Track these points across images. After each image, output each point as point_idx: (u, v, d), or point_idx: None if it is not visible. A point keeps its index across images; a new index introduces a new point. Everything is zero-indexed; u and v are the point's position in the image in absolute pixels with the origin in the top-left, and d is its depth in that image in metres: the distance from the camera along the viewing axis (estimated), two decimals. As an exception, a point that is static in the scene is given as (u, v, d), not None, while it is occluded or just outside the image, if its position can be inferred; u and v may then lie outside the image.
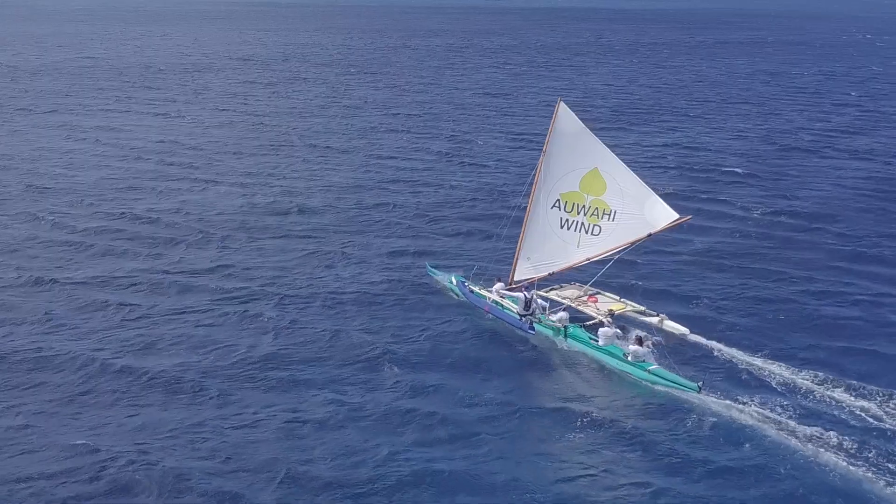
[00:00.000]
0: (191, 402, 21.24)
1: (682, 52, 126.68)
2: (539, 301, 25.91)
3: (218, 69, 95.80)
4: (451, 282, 29.17)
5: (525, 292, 25.89)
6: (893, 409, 20.82)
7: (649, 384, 22.23)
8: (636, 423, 20.46)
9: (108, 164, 47.66)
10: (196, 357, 23.76)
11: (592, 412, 20.95)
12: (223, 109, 67.74)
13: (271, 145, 54.08)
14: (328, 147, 53.77)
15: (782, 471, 18.30)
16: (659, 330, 25.14)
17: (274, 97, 75.52)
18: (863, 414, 20.57)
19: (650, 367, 22.51)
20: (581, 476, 18.46)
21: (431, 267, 30.70)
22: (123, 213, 37.87)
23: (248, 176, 45.46)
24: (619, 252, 26.37)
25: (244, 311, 26.93)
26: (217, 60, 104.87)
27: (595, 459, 19.03)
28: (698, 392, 21.28)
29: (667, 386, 21.89)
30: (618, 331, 24.17)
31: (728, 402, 20.92)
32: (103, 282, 29.42)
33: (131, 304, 27.33)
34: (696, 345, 24.46)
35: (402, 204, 40.31)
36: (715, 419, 20.31)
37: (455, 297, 28.32)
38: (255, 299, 27.95)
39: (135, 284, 29.20)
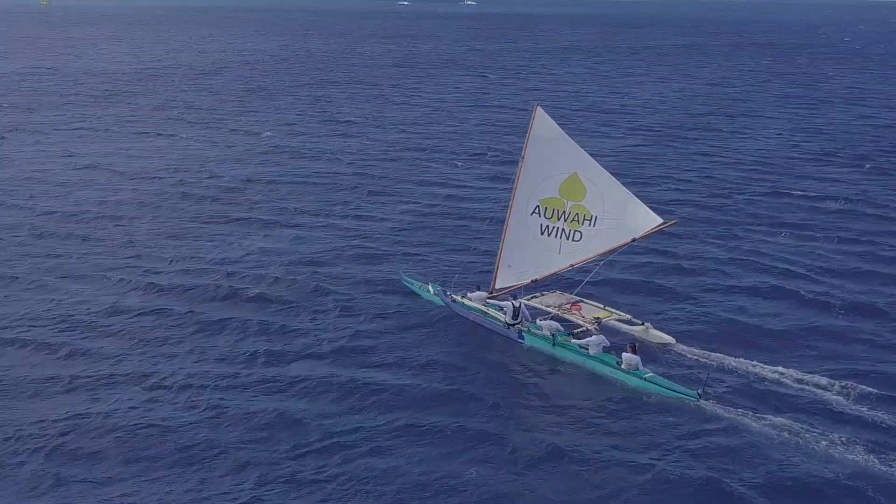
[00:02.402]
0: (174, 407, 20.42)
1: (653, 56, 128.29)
2: (525, 310, 25.66)
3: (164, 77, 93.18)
4: (430, 290, 28.73)
5: (513, 301, 25.61)
6: (885, 406, 21.17)
7: (646, 392, 22.13)
8: (634, 432, 20.31)
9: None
10: (176, 361, 23.25)
11: (588, 422, 20.79)
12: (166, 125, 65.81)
13: (241, 150, 52.92)
14: (297, 151, 52.84)
15: (785, 473, 18.37)
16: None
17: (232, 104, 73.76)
18: (858, 412, 20.88)
19: (646, 376, 22.45)
20: (575, 486, 18.20)
21: (407, 276, 30.20)
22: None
23: (216, 188, 44.24)
24: (602, 258, 26.27)
25: (209, 325, 26.18)
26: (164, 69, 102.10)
27: (591, 468, 18.78)
28: (698, 399, 21.29)
29: (664, 394, 21.84)
30: (605, 339, 24.04)
31: (727, 408, 20.97)
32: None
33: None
34: (682, 352, 24.47)
35: (375, 212, 39.67)
36: (715, 426, 20.30)
37: (434, 306, 27.85)
38: (225, 316, 27.07)
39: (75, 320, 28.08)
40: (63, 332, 25.61)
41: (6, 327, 25.85)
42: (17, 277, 30.09)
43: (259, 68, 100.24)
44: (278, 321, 26.54)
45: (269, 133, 58.33)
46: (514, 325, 25.19)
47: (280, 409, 21.03)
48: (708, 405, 21.16)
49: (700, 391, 21.51)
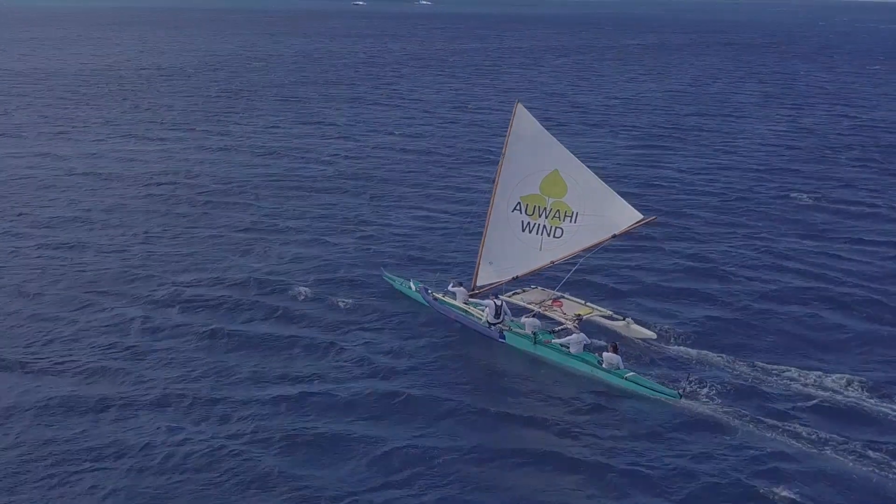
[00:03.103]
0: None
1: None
2: (507, 308, 25.60)
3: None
4: (411, 287, 28.63)
5: (495, 299, 25.55)
6: (871, 400, 21.34)
7: (627, 392, 22.14)
8: (616, 432, 20.31)
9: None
10: (160, 370, 22.77)
11: (569, 421, 20.76)
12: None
13: (217, 150, 52.45)
14: (273, 147, 52.54)
15: (769, 470, 18.48)
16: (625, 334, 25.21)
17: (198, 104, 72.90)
18: (841, 406, 21.03)
19: (627, 375, 22.46)
20: (557, 487, 18.20)
21: (388, 273, 30.09)
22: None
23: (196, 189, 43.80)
24: (584, 254, 26.25)
25: (186, 326, 25.96)
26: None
27: (573, 469, 18.81)
28: (679, 398, 21.34)
29: (645, 393, 21.87)
30: (586, 337, 24.02)
31: (708, 406, 21.02)
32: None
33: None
34: (662, 348, 24.53)
35: (356, 211, 39.42)
36: (697, 425, 20.37)
37: (416, 303, 27.77)
38: (203, 314, 26.87)
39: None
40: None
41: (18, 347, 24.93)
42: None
43: (227, 70, 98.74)
44: (250, 324, 26.37)
45: (245, 137, 57.33)
46: (495, 323, 25.12)
47: (262, 413, 20.92)
48: (689, 404, 21.20)
49: (681, 390, 21.58)
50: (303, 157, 50.49)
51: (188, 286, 29.21)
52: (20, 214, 37.80)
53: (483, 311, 25.69)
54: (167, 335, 25.37)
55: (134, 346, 24.53)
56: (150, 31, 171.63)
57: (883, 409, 21.02)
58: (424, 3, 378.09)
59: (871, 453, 19.12)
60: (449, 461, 18.99)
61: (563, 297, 26.57)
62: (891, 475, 18.43)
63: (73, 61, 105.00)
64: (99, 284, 29.41)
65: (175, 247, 33.67)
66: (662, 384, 22.00)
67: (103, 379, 22.65)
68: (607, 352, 23.04)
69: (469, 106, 73.22)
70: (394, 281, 29.49)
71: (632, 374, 22.48)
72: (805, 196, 42.59)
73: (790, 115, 69.26)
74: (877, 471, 18.54)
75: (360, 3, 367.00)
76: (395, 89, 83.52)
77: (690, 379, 22.32)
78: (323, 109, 69.56)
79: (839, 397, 21.58)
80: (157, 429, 20.09)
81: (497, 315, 25.12)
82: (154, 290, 28.81)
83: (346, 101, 74.69)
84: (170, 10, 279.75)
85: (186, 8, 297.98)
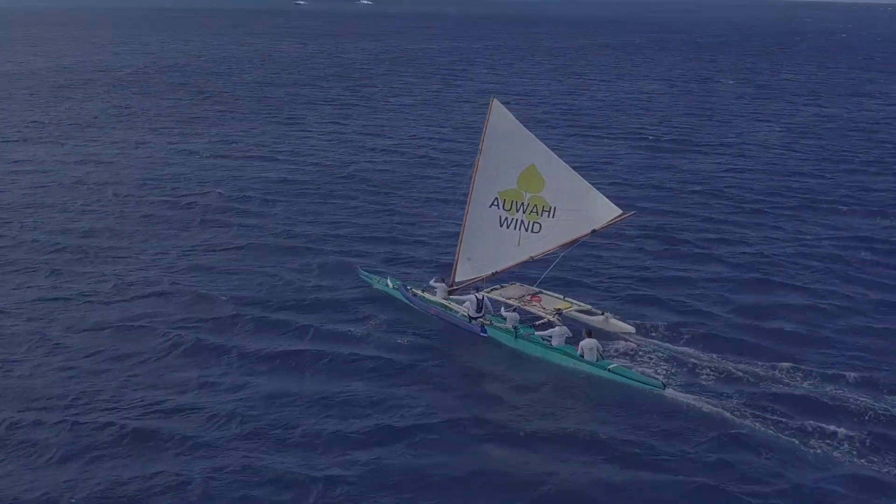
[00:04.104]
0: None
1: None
2: (488, 303, 25.62)
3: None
4: (388, 285, 28.52)
5: (476, 294, 25.55)
6: (844, 391, 21.68)
7: (611, 383, 22.20)
8: (600, 424, 20.35)
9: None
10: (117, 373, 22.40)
11: (554, 414, 20.88)
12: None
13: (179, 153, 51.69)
14: (244, 142, 52.36)
15: (754, 461, 18.68)
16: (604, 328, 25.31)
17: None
18: (817, 396, 21.35)
19: (611, 366, 22.57)
20: (543, 480, 18.17)
21: (364, 270, 29.95)
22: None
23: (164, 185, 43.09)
24: (563, 250, 26.34)
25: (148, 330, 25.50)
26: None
27: (559, 461, 18.83)
28: (663, 389, 21.49)
29: (629, 384, 21.98)
30: (568, 330, 24.10)
31: (691, 396, 21.19)
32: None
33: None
34: (641, 342, 24.63)
35: (329, 208, 39.27)
36: (681, 415, 20.50)
37: (394, 300, 27.67)
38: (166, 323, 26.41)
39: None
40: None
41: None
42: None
43: (184, 71, 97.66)
44: (231, 323, 26.04)
45: (200, 141, 56.28)
46: (477, 318, 25.11)
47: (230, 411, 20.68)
48: (673, 394, 21.34)
49: (665, 380, 21.76)
50: (274, 160, 49.96)
51: (167, 287, 28.81)
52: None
53: (464, 305, 25.62)
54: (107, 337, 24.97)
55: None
56: (88, 31, 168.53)
57: (860, 399, 21.27)
58: (366, 2, 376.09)
59: (846, 443, 19.38)
60: (434, 459, 18.88)
61: (542, 293, 26.63)
62: (864, 462, 18.75)
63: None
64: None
65: (141, 249, 33.26)
66: (646, 375, 22.13)
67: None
68: (584, 339, 23.09)
69: (444, 103, 73.39)
70: (371, 279, 29.34)
71: (615, 365, 22.60)
72: (782, 191, 43.11)
73: (764, 111, 70.29)
74: (852, 459, 18.85)
75: (302, 2, 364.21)
76: (366, 89, 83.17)
77: (672, 370, 22.52)
78: (291, 111, 68.82)
79: (815, 388, 21.84)
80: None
81: (479, 309, 25.12)
82: (96, 284, 28.41)
83: (310, 102, 74.23)
84: (107, 9, 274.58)
85: (124, 7, 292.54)
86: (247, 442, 19.39)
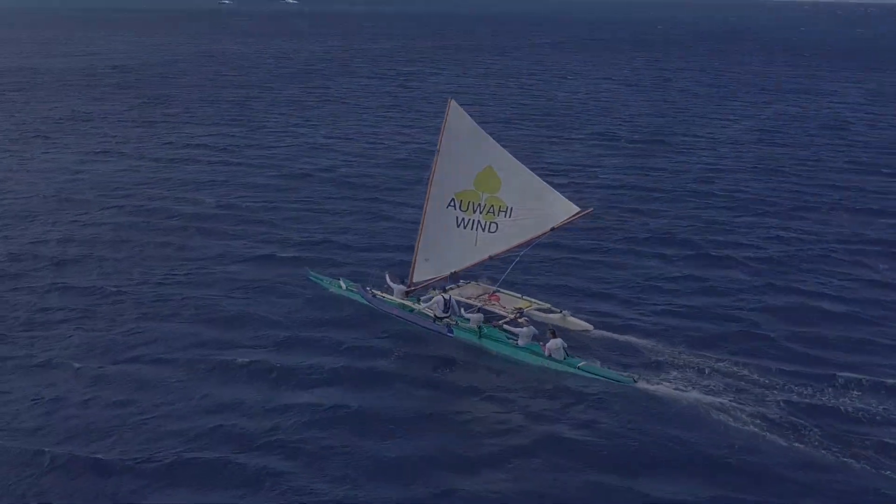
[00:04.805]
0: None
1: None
2: (455, 303, 25.71)
3: None
4: (341, 287, 28.27)
5: (442, 294, 25.62)
6: (795, 382, 22.69)
7: (582, 380, 22.58)
8: (574, 420, 20.69)
9: None
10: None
11: (528, 413, 21.02)
12: None
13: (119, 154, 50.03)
14: (182, 143, 51.02)
15: (726, 452, 19.30)
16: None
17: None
18: (779, 383, 22.38)
19: (580, 364, 23.03)
20: (522, 476, 18.46)
21: (313, 273, 29.55)
22: None
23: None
24: (522, 248, 26.70)
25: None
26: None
27: (535, 456, 19.12)
28: (634, 383, 22.06)
29: (599, 381, 22.44)
30: (535, 329, 24.45)
31: (662, 390, 21.74)
32: None
33: None
34: (601, 338, 25.13)
35: (282, 209, 38.76)
36: (656, 407, 21.04)
37: (352, 302, 27.43)
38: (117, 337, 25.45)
39: None
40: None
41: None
42: None
43: (128, 72, 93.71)
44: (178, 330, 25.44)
45: (142, 143, 54.49)
46: (444, 318, 25.17)
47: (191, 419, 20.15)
48: (644, 388, 21.84)
49: (636, 375, 22.33)
50: (225, 161, 48.90)
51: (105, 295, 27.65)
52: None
53: (429, 305, 25.63)
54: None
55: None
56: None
57: (820, 391, 22.26)
58: (291, 1, 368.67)
59: (813, 433, 20.20)
60: (411, 461, 18.90)
61: (500, 291, 26.97)
62: (820, 449, 19.52)
63: None
64: None
65: (96, 251, 32.12)
66: (616, 371, 22.64)
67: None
68: (549, 340, 23.44)
69: (402, 104, 73.12)
70: (321, 280, 29.00)
71: (583, 363, 23.06)
72: (738, 184, 44.55)
73: (716, 108, 72.53)
74: (818, 447, 19.64)
75: (227, 1, 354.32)
76: (317, 89, 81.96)
77: (638, 366, 23.09)
78: (239, 113, 67.16)
79: (774, 381, 22.65)
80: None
81: (445, 309, 25.18)
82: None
83: (260, 102, 72.96)
84: (31, 10, 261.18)
85: (48, 8, 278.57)
86: (202, 453, 18.96)
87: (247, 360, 23.40)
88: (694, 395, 21.61)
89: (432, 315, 25.39)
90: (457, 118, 26.99)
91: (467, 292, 26.98)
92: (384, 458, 19.03)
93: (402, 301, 26.55)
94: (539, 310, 26.32)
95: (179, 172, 45.96)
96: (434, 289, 26.84)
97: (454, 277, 27.26)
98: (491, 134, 27.10)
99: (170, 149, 52.27)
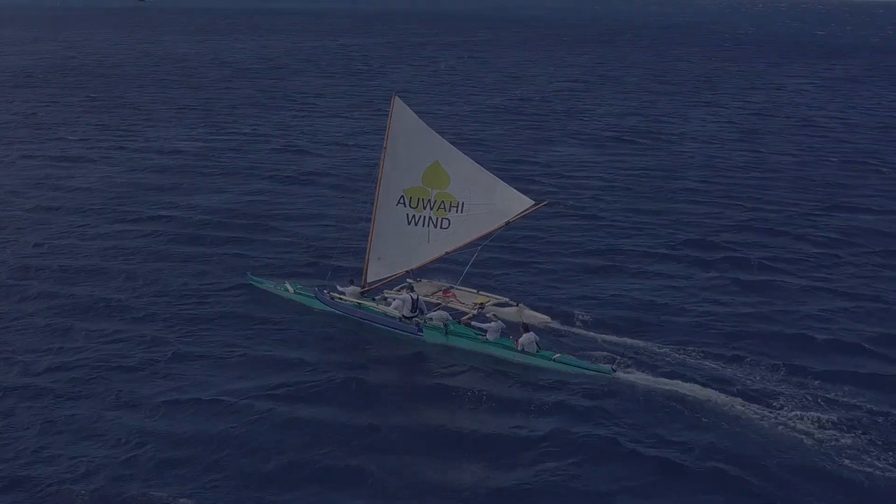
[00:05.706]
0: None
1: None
2: (422, 303, 25.57)
3: None
4: (288, 290, 27.56)
5: (410, 293, 25.43)
6: (760, 371, 23.31)
7: (558, 373, 22.89)
8: (555, 412, 20.88)
9: None
10: None
11: (510, 408, 21.08)
12: None
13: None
14: (113, 144, 48.99)
15: (698, 437, 19.77)
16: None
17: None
18: (741, 379, 22.81)
19: (555, 356, 23.43)
20: (505, 469, 18.59)
21: (253, 276, 28.61)
22: None
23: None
24: (479, 243, 26.84)
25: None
26: None
27: (518, 450, 19.25)
28: (612, 374, 22.67)
29: (576, 372, 22.88)
30: (504, 324, 24.71)
31: (640, 379, 22.16)
32: None
33: None
34: (558, 330, 25.44)
35: (223, 210, 37.44)
36: (635, 397, 21.60)
37: (299, 306, 26.78)
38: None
39: None
40: None
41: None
42: None
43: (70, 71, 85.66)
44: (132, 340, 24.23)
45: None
46: (412, 317, 25.01)
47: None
48: (623, 378, 22.30)
49: (613, 366, 23.00)
50: (161, 162, 46.64)
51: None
52: None
53: (394, 305, 25.38)
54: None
55: None
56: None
57: (787, 384, 22.75)
58: None
59: (793, 422, 20.67)
60: (386, 468, 18.68)
61: (453, 288, 27.11)
62: (798, 437, 20.10)
63: None
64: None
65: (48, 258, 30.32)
66: (592, 362, 23.15)
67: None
68: (522, 335, 23.69)
69: (349, 100, 71.30)
70: (261, 283, 28.15)
71: (559, 355, 23.46)
72: (699, 177, 45.60)
73: (668, 100, 74.09)
74: (797, 436, 20.19)
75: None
76: (266, 91, 78.38)
77: (604, 360, 23.26)
78: (174, 114, 63.66)
79: (741, 374, 23.04)
80: None
81: (413, 309, 25.02)
82: None
83: (209, 102, 69.38)
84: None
85: None
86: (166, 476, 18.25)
87: (192, 376, 22.52)
88: (671, 384, 21.99)
89: (399, 315, 25.17)
90: (401, 115, 26.72)
91: (421, 290, 26.92)
92: (363, 469, 18.59)
93: (366, 303, 26.16)
94: (495, 304, 26.54)
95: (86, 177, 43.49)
96: (388, 289, 26.59)
97: (408, 275, 27.12)
98: (440, 131, 26.93)
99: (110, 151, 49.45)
